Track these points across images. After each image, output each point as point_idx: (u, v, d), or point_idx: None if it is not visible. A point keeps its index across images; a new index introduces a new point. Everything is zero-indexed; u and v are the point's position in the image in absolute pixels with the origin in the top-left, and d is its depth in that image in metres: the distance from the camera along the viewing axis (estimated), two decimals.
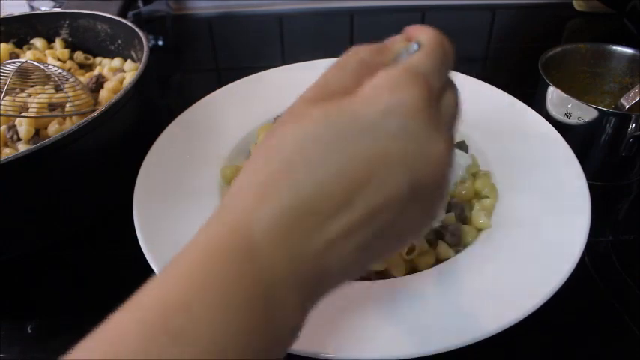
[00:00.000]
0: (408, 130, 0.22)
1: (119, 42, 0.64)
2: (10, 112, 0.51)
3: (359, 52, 0.25)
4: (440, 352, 0.35)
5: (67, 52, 0.65)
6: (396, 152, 0.22)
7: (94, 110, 0.47)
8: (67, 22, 0.66)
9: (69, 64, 0.64)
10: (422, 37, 0.25)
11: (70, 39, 0.67)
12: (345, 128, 0.22)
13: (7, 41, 0.65)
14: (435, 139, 0.23)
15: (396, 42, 0.27)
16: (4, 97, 0.51)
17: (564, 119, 0.54)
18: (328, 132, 0.22)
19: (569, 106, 0.54)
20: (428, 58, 0.24)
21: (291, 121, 0.23)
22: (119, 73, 0.61)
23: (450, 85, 0.26)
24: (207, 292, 0.19)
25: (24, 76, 0.54)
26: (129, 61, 0.63)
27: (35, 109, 0.52)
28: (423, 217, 0.24)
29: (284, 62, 0.66)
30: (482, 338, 0.35)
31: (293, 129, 0.22)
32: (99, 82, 0.59)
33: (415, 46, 0.25)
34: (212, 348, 0.18)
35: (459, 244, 0.45)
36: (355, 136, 0.22)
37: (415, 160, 0.22)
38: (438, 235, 0.45)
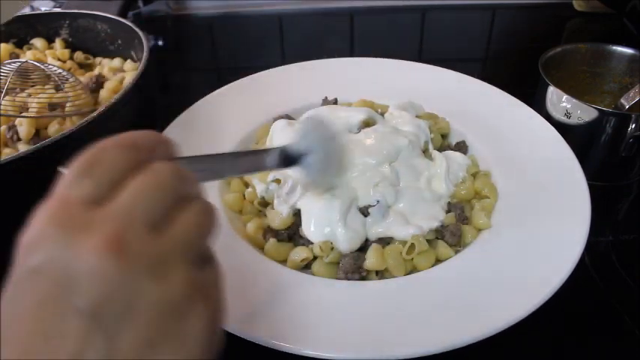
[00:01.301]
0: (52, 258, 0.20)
1: (119, 42, 0.64)
2: (10, 112, 0.51)
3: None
4: (440, 351, 0.35)
5: (67, 52, 0.65)
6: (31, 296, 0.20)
7: (94, 110, 0.47)
8: (67, 22, 0.66)
9: (69, 64, 0.64)
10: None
11: (70, 39, 0.67)
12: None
13: (7, 41, 0.65)
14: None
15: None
16: (4, 97, 0.51)
17: (564, 119, 0.54)
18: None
19: (569, 106, 0.54)
20: (68, 172, 0.23)
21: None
22: (119, 73, 0.61)
23: (126, 184, 0.22)
24: None
25: (24, 76, 0.54)
26: (129, 61, 0.63)
27: (35, 109, 0.52)
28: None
29: (284, 62, 0.66)
30: (483, 338, 0.35)
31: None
32: (99, 82, 0.59)
33: None
34: None
35: (458, 244, 0.45)
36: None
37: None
38: (438, 235, 0.45)
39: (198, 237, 0.23)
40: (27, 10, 0.81)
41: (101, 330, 0.19)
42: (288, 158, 0.35)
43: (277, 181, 0.47)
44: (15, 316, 0.20)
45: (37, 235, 0.21)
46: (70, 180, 0.22)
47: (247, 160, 0.32)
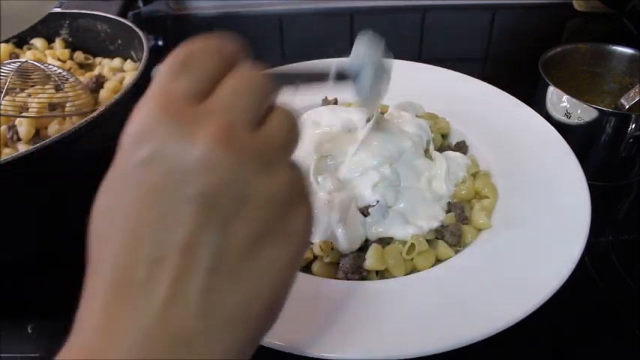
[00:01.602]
0: (163, 155, 0.20)
1: (119, 42, 0.64)
2: (10, 112, 0.51)
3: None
4: (440, 352, 0.35)
5: (67, 52, 0.65)
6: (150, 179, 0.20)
7: (94, 110, 0.47)
8: (67, 22, 0.66)
9: (69, 64, 0.64)
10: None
11: (70, 39, 0.67)
12: (122, 175, 0.21)
13: (7, 41, 0.65)
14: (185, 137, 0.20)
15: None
16: (4, 97, 0.51)
17: (564, 119, 0.54)
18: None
19: (569, 106, 0.54)
20: (164, 67, 0.23)
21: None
22: (119, 73, 0.61)
23: (227, 76, 0.23)
24: None
25: (24, 76, 0.54)
26: (129, 61, 0.63)
27: (35, 109, 0.52)
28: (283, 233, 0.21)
29: (284, 62, 0.66)
30: (482, 338, 0.35)
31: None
32: (99, 82, 0.59)
33: None
34: None
35: (458, 244, 0.45)
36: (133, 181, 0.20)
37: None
38: (438, 235, 0.45)
39: (292, 140, 0.23)
40: None
41: (214, 219, 0.19)
42: (342, 74, 0.34)
43: None
44: (123, 206, 0.20)
45: (147, 126, 0.20)
46: (168, 76, 0.22)
47: (315, 71, 0.32)
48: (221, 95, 0.21)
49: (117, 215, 0.20)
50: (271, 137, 0.21)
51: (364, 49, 0.37)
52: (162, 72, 0.22)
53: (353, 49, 0.37)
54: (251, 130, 0.21)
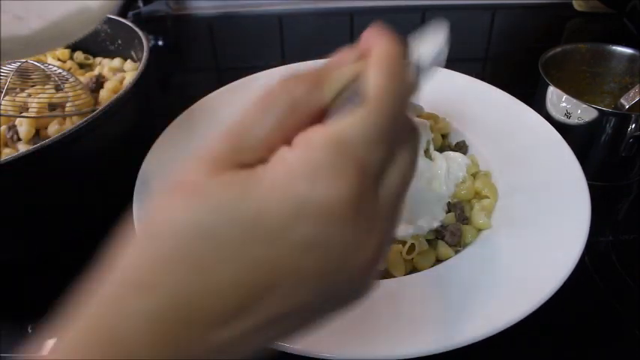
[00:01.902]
0: (326, 241, 0.17)
1: (119, 42, 0.64)
2: (10, 112, 0.51)
3: (291, 86, 0.20)
4: (440, 352, 0.35)
5: (67, 52, 0.65)
6: (309, 266, 0.18)
7: (94, 110, 0.47)
8: None
9: (69, 64, 0.64)
10: (371, 74, 0.20)
11: None
12: (247, 227, 0.17)
13: None
14: (362, 247, 0.18)
15: (343, 63, 0.21)
16: (4, 97, 0.51)
17: (564, 119, 0.54)
18: (225, 228, 0.17)
19: (569, 106, 0.54)
20: (369, 124, 0.18)
21: (182, 193, 0.18)
22: (119, 73, 0.61)
23: (404, 144, 0.20)
24: None
25: (24, 76, 0.54)
26: (129, 61, 0.63)
27: (35, 109, 0.52)
28: (343, 307, 0.21)
29: (284, 62, 0.66)
30: (483, 338, 0.35)
31: (183, 210, 0.18)
32: (99, 82, 0.59)
33: (356, 99, 0.19)
34: None
35: (459, 244, 0.45)
36: (259, 239, 0.17)
37: (332, 274, 0.18)
38: (438, 235, 0.45)
39: (403, 193, 0.21)
40: None
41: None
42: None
43: None
44: (237, 265, 0.18)
45: (331, 206, 0.17)
46: (375, 138, 0.19)
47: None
48: (391, 187, 0.20)
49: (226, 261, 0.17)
50: (395, 208, 0.20)
51: (440, 51, 0.35)
52: (370, 127, 0.18)
53: (428, 39, 0.35)
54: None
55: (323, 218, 0.17)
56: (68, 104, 0.53)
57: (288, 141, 0.19)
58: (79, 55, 0.66)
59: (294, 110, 0.19)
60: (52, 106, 0.53)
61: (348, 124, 0.18)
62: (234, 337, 0.18)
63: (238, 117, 0.20)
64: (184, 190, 0.18)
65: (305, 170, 0.17)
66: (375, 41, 0.21)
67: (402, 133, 0.20)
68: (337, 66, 0.21)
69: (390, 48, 0.20)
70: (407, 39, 0.23)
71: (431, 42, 0.30)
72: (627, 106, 0.54)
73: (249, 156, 0.19)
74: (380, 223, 0.19)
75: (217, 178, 0.18)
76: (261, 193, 0.17)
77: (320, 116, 0.20)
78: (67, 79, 0.55)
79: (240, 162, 0.19)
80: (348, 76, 0.20)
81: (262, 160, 0.19)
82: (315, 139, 0.18)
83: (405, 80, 0.20)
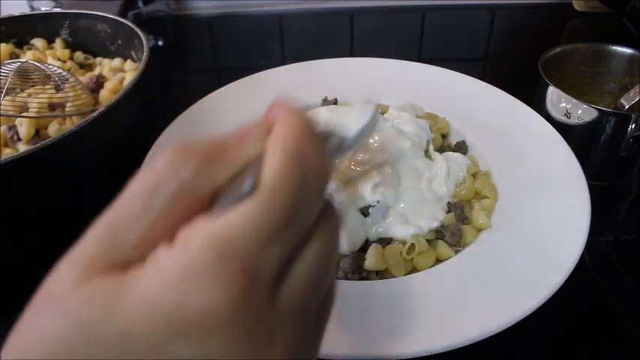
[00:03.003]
0: (209, 357, 0.15)
1: (119, 42, 0.64)
2: (10, 112, 0.51)
3: (179, 166, 0.16)
4: (440, 351, 0.35)
5: (67, 52, 0.65)
6: None
7: (94, 110, 0.47)
8: (67, 22, 0.66)
9: (69, 64, 0.64)
10: (268, 155, 0.17)
11: (70, 39, 0.67)
12: (113, 350, 0.14)
13: (7, 41, 0.65)
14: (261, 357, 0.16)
15: (246, 138, 0.18)
16: (4, 97, 0.51)
17: (564, 119, 0.54)
18: (87, 350, 0.15)
19: (569, 106, 0.54)
20: (259, 218, 0.15)
21: (46, 306, 0.16)
22: (119, 73, 0.61)
23: (316, 234, 0.17)
24: None
25: (24, 76, 0.54)
26: (129, 61, 0.63)
27: (35, 109, 0.52)
28: None
29: (284, 62, 0.66)
30: (482, 338, 0.35)
31: (42, 329, 0.16)
32: (99, 82, 0.59)
33: (248, 185, 0.16)
34: None
35: (458, 244, 0.45)
36: None
37: None
38: (438, 235, 0.45)
39: (317, 290, 0.18)
40: (27, 10, 0.81)
41: None
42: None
43: None
44: None
45: (211, 317, 0.15)
46: (264, 237, 0.16)
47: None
48: (297, 286, 0.17)
49: None
50: (293, 298, 0.17)
51: (367, 126, 0.34)
52: (259, 223, 0.16)
53: (355, 117, 0.35)
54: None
55: (198, 333, 0.14)
56: (68, 104, 0.53)
57: (171, 232, 0.16)
58: (79, 55, 0.66)
59: (179, 197, 0.16)
60: (52, 106, 0.53)
61: (234, 219, 0.15)
62: None
63: (114, 207, 0.17)
64: (48, 304, 0.16)
65: (179, 277, 0.15)
66: (279, 114, 0.18)
67: (308, 221, 0.17)
68: (239, 141, 0.18)
69: (293, 123, 0.18)
70: (311, 112, 0.20)
71: (356, 116, 0.28)
72: (627, 106, 0.54)
73: (124, 254, 0.16)
74: (282, 332, 0.16)
75: (82, 289, 0.15)
76: (129, 308, 0.15)
77: (212, 200, 0.17)
78: (67, 79, 0.55)
79: (113, 262, 0.16)
80: (247, 156, 0.17)
81: (141, 256, 0.16)
82: (194, 237, 0.15)
83: (309, 161, 0.17)
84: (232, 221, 0.15)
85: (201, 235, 0.15)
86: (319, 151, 0.18)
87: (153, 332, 0.14)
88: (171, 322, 0.14)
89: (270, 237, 0.16)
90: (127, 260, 0.16)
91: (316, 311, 0.18)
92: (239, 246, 0.15)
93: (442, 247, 0.44)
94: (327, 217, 0.18)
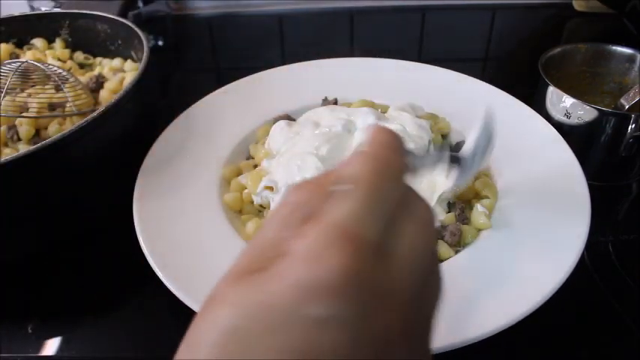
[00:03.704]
0: (336, 315, 0.18)
1: (119, 42, 0.64)
2: (10, 112, 0.51)
3: (298, 195, 0.22)
4: (440, 351, 0.35)
5: (67, 52, 0.65)
6: (326, 344, 0.17)
7: (94, 110, 0.47)
8: (67, 22, 0.66)
9: (69, 64, 0.64)
10: (350, 169, 0.21)
11: (70, 39, 0.67)
12: (263, 319, 0.18)
13: (7, 41, 0.65)
14: (374, 316, 0.18)
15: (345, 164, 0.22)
16: (4, 97, 0.51)
17: (564, 119, 0.54)
18: (245, 324, 0.18)
19: (569, 106, 0.54)
20: (356, 201, 0.20)
21: (207, 307, 0.19)
22: (119, 73, 0.61)
23: (407, 218, 0.21)
24: None
25: (24, 76, 0.54)
26: (129, 61, 0.63)
27: (35, 109, 0.52)
28: None
29: (284, 62, 0.66)
30: (482, 338, 0.35)
31: (208, 321, 0.19)
32: (99, 82, 0.59)
33: (346, 188, 0.21)
34: None
35: (458, 244, 0.45)
36: (275, 329, 0.18)
37: (355, 348, 0.18)
38: (438, 235, 0.45)
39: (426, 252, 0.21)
40: (27, 10, 0.81)
41: None
42: (456, 158, 0.33)
43: (269, 188, 0.46)
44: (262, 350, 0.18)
45: (333, 284, 0.18)
46: (364, 209, 0.20)
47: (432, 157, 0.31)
48: (402, 259, 0.20)
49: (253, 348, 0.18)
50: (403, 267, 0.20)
51: (484, 138, 0.35)
52: (358, 199, 0.20)
53: (473, 133, 0.35)
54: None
55: (325, 293, 0.18)
56: (68, 104, 0.53)
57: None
58: (79, 55, 0.66)
59: (308, 219, 0.20)
60: (52, 106, 0.53)
61: (334, 207, 0.20)
62: None
63: (257, 234, 0.22)
64: (209, 302, 0.20)
65: (302, 255, 0.19)
66: (368, 132, 0.23)
67: (398, 208, 0.21)
68: (331, 177, 0.22)
69: (379, 136, 0.22)
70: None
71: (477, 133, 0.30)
72: (627, 106, 0.54)
73: (265, 264, 0.20)
74: (396, 296, 0.19)
75: (237, 284, 0.19)
76: (270, 283, 0.19)
77: None
78: (67, 79, 0.55)
79: (258, 268, 0.20)
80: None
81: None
82: (312, 227, 0.20)
83: (390, 163, 0.22)
84: (334, 209, 0.20)
85: (317, 226, 0.19)
86: (396, 152, 0.22)
87: (287, 300, 0.18)
88: (299, 289, 0.18)
89: (366, 213, 0.20)
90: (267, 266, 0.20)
91: (424, 294, 0.21)
92: (343, 223, 0.19)
93: (442, 247, 0.44)
94: (416, 205, 0.22)
